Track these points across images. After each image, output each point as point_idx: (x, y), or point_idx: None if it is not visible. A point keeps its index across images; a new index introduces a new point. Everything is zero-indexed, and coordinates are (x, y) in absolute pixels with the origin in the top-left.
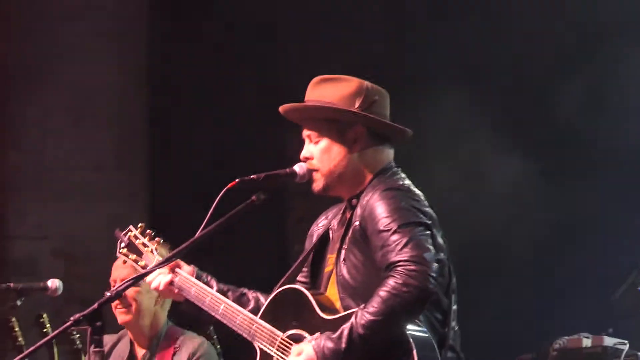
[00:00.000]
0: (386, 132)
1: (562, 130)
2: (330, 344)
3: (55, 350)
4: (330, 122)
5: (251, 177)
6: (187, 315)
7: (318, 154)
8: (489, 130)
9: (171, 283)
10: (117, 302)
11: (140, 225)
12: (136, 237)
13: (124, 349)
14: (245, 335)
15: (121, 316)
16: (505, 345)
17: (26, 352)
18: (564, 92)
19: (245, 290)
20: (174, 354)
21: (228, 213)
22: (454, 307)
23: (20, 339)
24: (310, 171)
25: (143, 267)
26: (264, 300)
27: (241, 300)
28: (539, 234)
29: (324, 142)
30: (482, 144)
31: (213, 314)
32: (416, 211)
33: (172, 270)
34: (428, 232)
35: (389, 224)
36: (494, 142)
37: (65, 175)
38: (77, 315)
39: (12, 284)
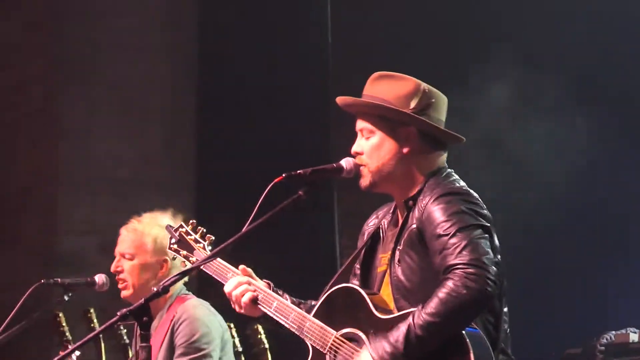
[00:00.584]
0: (439, 136)
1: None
2: (388, 347)
3: (103, 345)
4: (384, 120)
5: (298, 172)
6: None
7: (368, 150)
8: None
9: (255, 300)
10: (119, 277)
11: (191, 221)
12: (187, 234)
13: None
14: (297, 332)
15: (122, 292)
16: (552, 341)
17: (73, 347)
18: None
19: (314, 302)
20: (171, 321)
21: (274, 208)
22: (505, 309)
23: (67, 334)
24: (357, 166)
25: (193, 264)
26: None
27: (310, 311)
28: (586, 228)
29: (376, 138)
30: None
31: (266, 310)
32: (475, 214)
33: (249, 284)
34: (487, 235)
35: (448, 227)
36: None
37: (113, 169)
38: (124, 310)
39: (59, 279)
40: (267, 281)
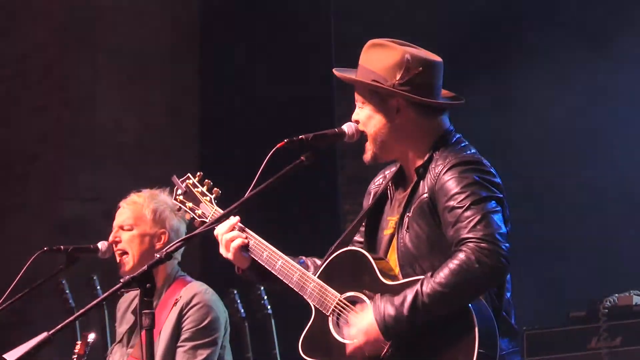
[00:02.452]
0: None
1: None
2: (391, 310)
3: (106, 312)
4: (372, 92)
5: (300, 137)
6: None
7: (363, 120)
8: None
9: (245, 247)
10: (118, 249)
11: (199, 173)
12: (194, 185)
13: (135, 301)
14: (301, 293)
15: (122, 266)
16: (556, 304)
17: (77, 314)
18: None
19: (303, 258)
20: (174, 305)
21: (277, 174)
22: (508, 276)
23: (70, 300)
24: (359, 132)
25: (200, 217)
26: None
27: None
28: (588, 191)
29: (368, 109)
30: None
31: (270, 269)
32: (488, 184)
33: (242, 230)
34: (500, 207)
35: (462, 200)
36: None
37: (117, 135)
38: (127, 277)
39: (62, 246)
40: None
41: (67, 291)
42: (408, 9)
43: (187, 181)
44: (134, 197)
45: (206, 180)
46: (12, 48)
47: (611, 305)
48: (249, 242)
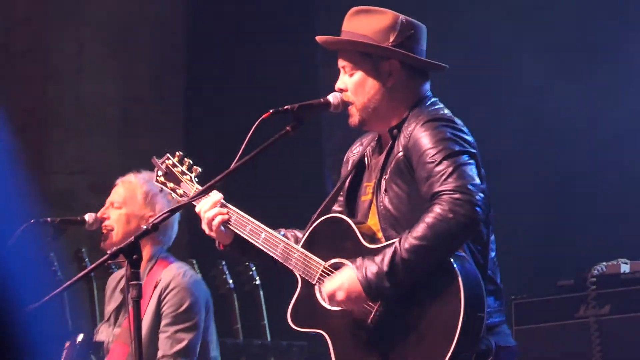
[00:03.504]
0: (421, 66)
1: None
2: (372, 267)
3: (94, 284)
4: (365, 56)
5: (285, 107)
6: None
7: (352, 87)
8: None
9: (226, 222)
10: (104, 225)
11: (177, 153)
12: (174, 165)
13: (124, 280)
14: (285, 264)
15: (105, 240)
16: (544, 272)
17: (64, 285)
18: None
19: (283, 230)
20: (154, 288)
21: (263, 144)
22: (492, 237)
23: (58, 273)
24: (345, 102)
25: (181, 196)
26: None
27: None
28: (578, 158)
29: (359, 75)
30: None
31: (254, 242)
32: (461, 140)
33: (223, 206)
34: (473, 161)
35: (435, 154)
36: None
37: (102, 108)
38: (115, 248)
39: (49, 218)
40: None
41: (55, 263)
42: None
43: (167, 161)
44: (131, 176)
45: (185, 159)
46: None
47: (599, 274)
48: (230, 217)
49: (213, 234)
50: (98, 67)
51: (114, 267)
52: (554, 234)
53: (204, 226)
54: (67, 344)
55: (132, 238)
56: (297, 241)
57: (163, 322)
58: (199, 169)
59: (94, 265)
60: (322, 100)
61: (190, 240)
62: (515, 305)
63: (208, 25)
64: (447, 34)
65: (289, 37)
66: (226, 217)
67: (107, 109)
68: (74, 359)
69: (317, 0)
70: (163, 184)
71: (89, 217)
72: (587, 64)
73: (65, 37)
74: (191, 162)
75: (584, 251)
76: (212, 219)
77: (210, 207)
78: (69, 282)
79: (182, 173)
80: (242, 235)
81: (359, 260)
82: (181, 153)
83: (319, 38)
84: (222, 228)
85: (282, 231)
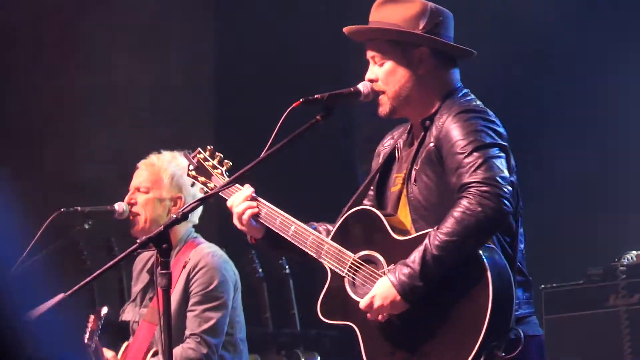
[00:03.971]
0: (451, 53)
1: None
2: (405, 270)
3: (124, 273)
4: (395, 44)
5: (315, 96)
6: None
7: (383, 76)
8: None
9: (257, 216)
10: (132, 211)
11: (209, 147)
12: (205, 160)
13: (151, 260)
14: (315, 256)
15: (133, 226)
16: (574, 260)
17: (93, 274)
18: None
19: (315, 224)
20: (183, 268)
21: (293, 133)
22: (521, 229)
23: (88, 262)
24: (375, 92)
25: (212, 189)
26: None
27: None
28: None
29: (389, 64)
30: None
31: (284, 235)
32: (492, 132)
33: (253, 199)
34: (503, 154)
35: (465, 146)
36: None
37: (132, 97)
38: (144, 237)
39: (79, 208)
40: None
41: (85, 252)
42: None
43: (198, 156)
44: (153, 158)
45: (217, 154)
46: (27, 10)
47: (629, 263)
48: (260, 211)
49: (244, 228)
50: (127, 56)
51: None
52: (583, 222)
53: (235, 221)
54: (92, 317)
55: (161, 227)
56: (328, 234)
57: (191, 301)
58: (230, 163)
59: (123, 254)
60: (352, 89)
61: (220, 229)
62: (545, 294)
63: (239, 13)
64: None
65: (321, 24)
66: (256, 210)
67: (137, 98)
68: (99, 331)
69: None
70: (195, 177)
71: (118, 206)
72: None
73: (95, 26)
74: (222, 156)
75: (614, 240)
76: (242, 213)
77: (241, 202)
78: (98, 271)
79: (213, 167)
80: (272, 228)
81: (391, 260)
82: (212, 147)
83: (346, 28)
84: (253, 222)
85: (314, 224)
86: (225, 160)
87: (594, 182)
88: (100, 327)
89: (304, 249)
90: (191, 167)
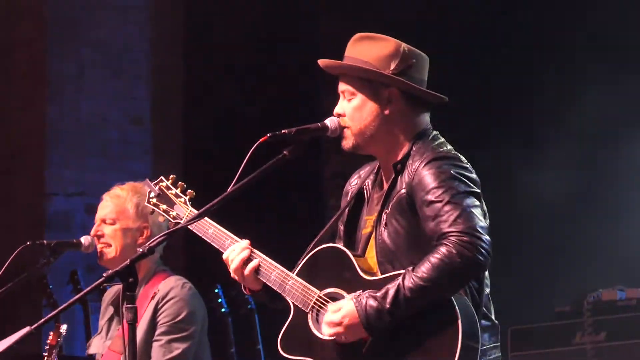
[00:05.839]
0: (422, 96)
1: None
2: (373, 303)
3: (89, 307)
4: (365, 81)
5: (282, 131)
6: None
7: (350, 112)
8: None
9: (257, 270)
10: (100, 243)
11: (171, 176)
12: (168, 188)
13: (118, 293)
14: (279, 290)
15: (101, 258)
16: (541, 298)
17: (60, 308)
18: None
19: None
20: (151, 299)
21: (259, 168)
22: (486, 272)
23: (54, 296)
24: (342, 127)
25: (174, 218)
26: None
27: None
28: (572, 185)
29: (357, 100)
30: None
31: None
32: (466, 179)
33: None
34: (478, 202)
35: (441, 194)
36: None
37: (102, 130)
38: (110, 271)
39: (45, 241)
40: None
41: (51, 286)
42: None
43: (160, 184)
44: (117, 190)
45: (180, 183)
46: None
47: (595, 300)
48: (260, 266)
49: (241, 280)
50: (97, 88)
51: (107, 286)
52: (550, 260)
53: (233, 273)
54: (51, 333)
55: (127, 261)
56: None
57: (158, 331)
58: (193, 192)
59: (90, 287)
60: (319, 124)
61: (186, 263)
62: (512, 332)
63: (206, 47)
64: None
65: (291, 55)
66: (257, 264)
67: (106, 131)
68: (58, 347)
69: (322, 26)
70: (155, 205)
71: (84, 239)
72: None
73: (65, 58)
74: (185, 185)
75: (581, 278)
76: (243, 267)
77: (239, 253)
78: (64, 305)
79: (177, 195)
80: (267, 282)
81: (359, 292)
82: (174, 176)
83: (321, 61)
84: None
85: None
86: (189, 190)
87: (562, 219)
88: (60, 343)
89: (267, 283)
90: (152, 194)
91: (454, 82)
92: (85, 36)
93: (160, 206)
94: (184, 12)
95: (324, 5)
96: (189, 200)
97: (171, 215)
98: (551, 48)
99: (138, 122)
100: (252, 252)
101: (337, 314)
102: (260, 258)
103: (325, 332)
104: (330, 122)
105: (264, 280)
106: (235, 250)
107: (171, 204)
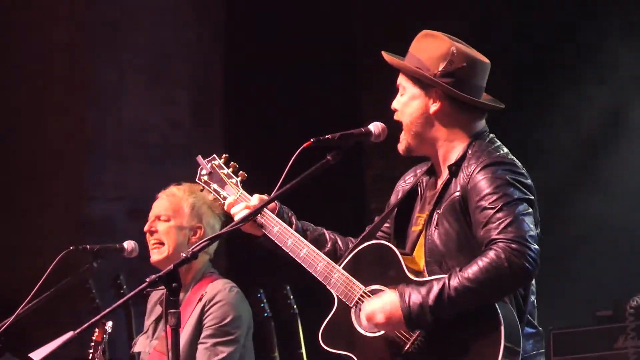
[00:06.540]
0: (467, 101)
1: None
2: (417, 297)
3: (132, 311)
4: (415, 79)
5: (326, 136)
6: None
7: (400, 107)
8: None
9: (266, 229)
10: (153, 239)
11: (224, 155)
12: (220, 167)
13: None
14: (324, 282)
15: (154, 255)
16: (583, 303)
17: (102, 313)
18: None
19: (324, 230)
20: (199, 301)
21: (303, 173)
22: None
23: (97, 300)
24: (386, 130)
25: (224, 198)
26: (341, 244)
27: (319, 240)
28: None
29: (407, 95)
30: None
31: (294, 256)
32: (521, 186)
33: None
34: (531, 209)
35: (494, 200)
36: None
37: (142, 134)
38: (153, 276)
39: (88, 246)
40: (276, 201)
41: (94, 290)
42: None
43: (213, 162)
44: (173, 189)
45: (232, 163)
46: (38, 46)
47: (637, 305)
48: (272, 229)
49: (245, 229)
50: (138, 92)
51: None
52: (593, 264)
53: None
54: (97, 330)
55: (171, 266)
56: (335, 251)
57: (204, 334)
58: (245, 174)
59: (132, 293)
60: (363, 129)
61: (228, 266)
62: (554, 335)
63: (247, 49)
64: None
65: (331, 61)
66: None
67: (147, 135)
68: (103, 344)
69: (359, 33)
70: (206, 183)
71: (127, 244)
72: None
73: (106, 62)
74: (237, 165)
75: (623, 281)
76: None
77: (241, 210)
78: (107, 310)
79: (228, 176)
80: (283, 248)
81: (401, 286)
82: (227, 155)
83: (384, 54)
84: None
85: (323, 230)
86: (241, 172)
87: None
88: (105, 339)
89: (314, 274)
90: (204, 171)
91: None
92: (125, 40)
93: (210, 185)
94: (224, 16)
95: (364, 9)
96: (240, 182)
97: (221, 195)
98: None
99: (178, 126)
100: (266, 213)
101: (378, 301)
102: (275, 222)
103: (363, 320)
104: (374, 127)
105: (280, 245)
106: (239, 206)
107: (222, 183)
